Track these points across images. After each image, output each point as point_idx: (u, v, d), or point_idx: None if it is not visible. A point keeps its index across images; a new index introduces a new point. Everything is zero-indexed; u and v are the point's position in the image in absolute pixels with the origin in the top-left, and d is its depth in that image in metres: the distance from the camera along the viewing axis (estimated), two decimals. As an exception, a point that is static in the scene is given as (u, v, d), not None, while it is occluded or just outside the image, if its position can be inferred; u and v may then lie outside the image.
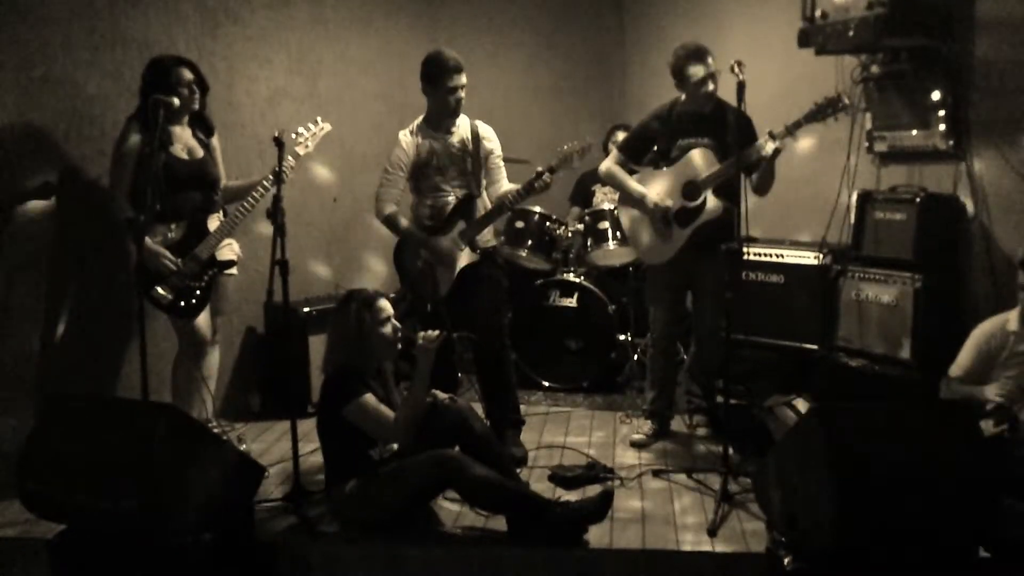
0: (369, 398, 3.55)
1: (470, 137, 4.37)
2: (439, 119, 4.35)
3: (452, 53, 4.24)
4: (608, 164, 4.57)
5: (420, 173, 4.35)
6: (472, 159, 4.37)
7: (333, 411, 3.57)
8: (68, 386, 4.25)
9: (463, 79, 4.24)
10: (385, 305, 3.71)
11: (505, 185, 4.40)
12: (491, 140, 4.43)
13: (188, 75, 4.12)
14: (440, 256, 4.30)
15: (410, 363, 3.80)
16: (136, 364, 4.08)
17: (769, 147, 4.05)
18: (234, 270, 4.36)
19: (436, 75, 4.23)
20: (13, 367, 4.20)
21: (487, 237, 4.43)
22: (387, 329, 3.69)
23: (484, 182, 4.43)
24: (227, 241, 4.29)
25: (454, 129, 4.36)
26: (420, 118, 4.41)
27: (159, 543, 3.07)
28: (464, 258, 4.30)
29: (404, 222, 4.36)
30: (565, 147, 4.19)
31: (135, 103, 4.17)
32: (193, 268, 4.09)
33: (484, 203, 4.40)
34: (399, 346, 3.78)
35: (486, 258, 4.38)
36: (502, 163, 4.47)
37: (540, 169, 4.15)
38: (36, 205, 4.22)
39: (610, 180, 4.59)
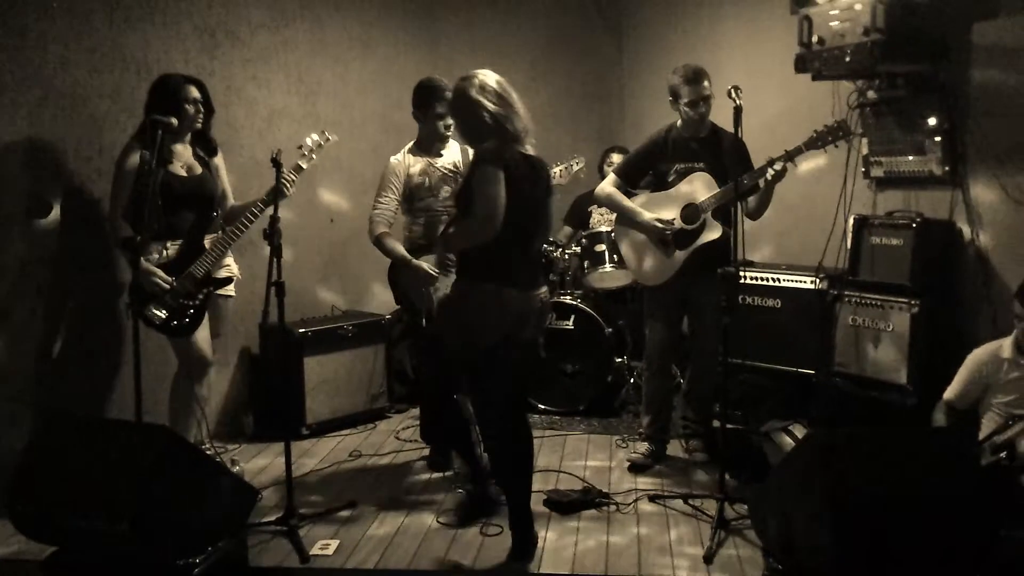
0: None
1: (460, 159, 4.44)
2: (429, 143, 4.45)
3: (440, 80, 4.33)
4: (605, 187, 4.57)
5: (413, 194, 4.41)
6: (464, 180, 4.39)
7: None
8: (63, 405, 4.23)
9: None
10: None
11: None
12: None
13: (195, 93, 4.13)
14: (417, 280, 4.28)
15: None
16: (127, 384, 4.07)
17: (769, 172, 4.08)
18: (231, 290, 4.35)
19: (426, 101, 4.34)
20: (9, 386, 4.18)
21: None
22: None
23: None
24: (226, 262, 4.29)
25: (444, 152, 4.46)
26: (411, 142, 4.50)
27: (151, 566, 3.05)
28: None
29: (392, 243, 4.36)
30: (556, 164, 4.26)
31: (134, 123, 4.18)
32: (187, 287, 4.07)
33: None
34: None
35: None
36: None
37: None
38: (38, 223, 4.24)
39: (607, 202, 4.59)
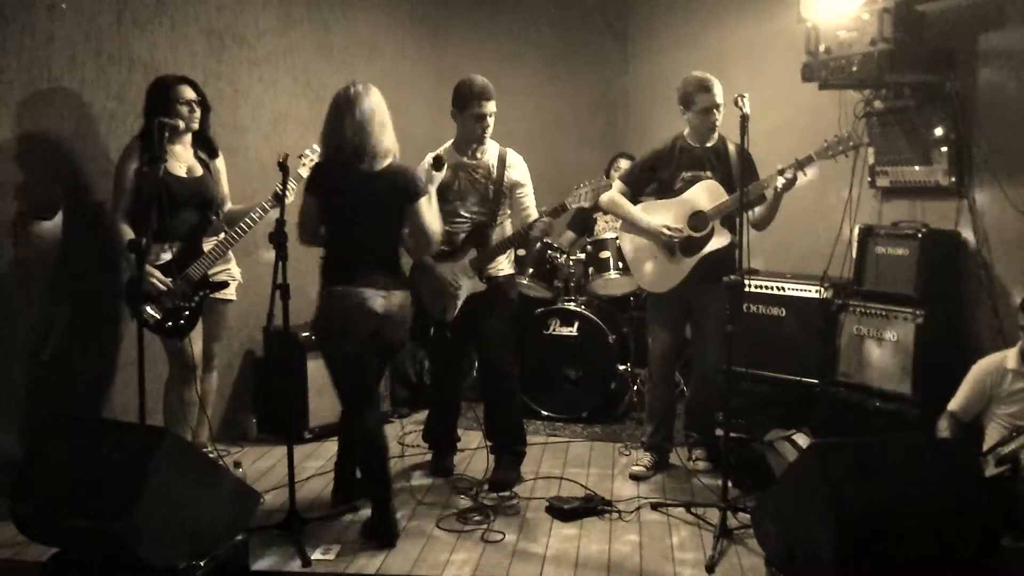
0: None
1: (495, 164, 4.35)
2: (466, 144, 4.34)
3: (482, 80, 4.24)
4: (610, 194, 4.55)
5: (441, 196, 4.27)
6: (494, 187, 4.34)
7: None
8: (60, 407, 4.22)
9: (490, 107, 4.23)
10: None
11: (532, 215, 4.37)
12: (517, 169, 4.39)
13: (189, 93, 4.14)
14: (439, 285, 4.29)
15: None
16: (127, 385, 4.04)
17: (780, 181, 4.08)
18: (231, 294, 4.34)
19: (462, 100, 4.24)
20: (10, 386, 4.18)
21: (501, 265, 4.42)
22: None
23: (509, 211, 4.42)
24: (226, 265, 4.28)
25: (480, 155, 4.36)
26: (449, 142, 4.42)
27: (152, 569, 3.04)
28: (471, 286, 4.29)
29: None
30: (582, 185, 4.21)
31: (140, 124, 4.18)
32: (183, 288, 4.06)
33: (503, 232, 4.39)
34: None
35: (493, 286, 4.36)
36: (530, 194, 4.43)
37: (567, 200, 4.20)
38: (42, 224, 4.24)
39: (612, 208, 4.58)
